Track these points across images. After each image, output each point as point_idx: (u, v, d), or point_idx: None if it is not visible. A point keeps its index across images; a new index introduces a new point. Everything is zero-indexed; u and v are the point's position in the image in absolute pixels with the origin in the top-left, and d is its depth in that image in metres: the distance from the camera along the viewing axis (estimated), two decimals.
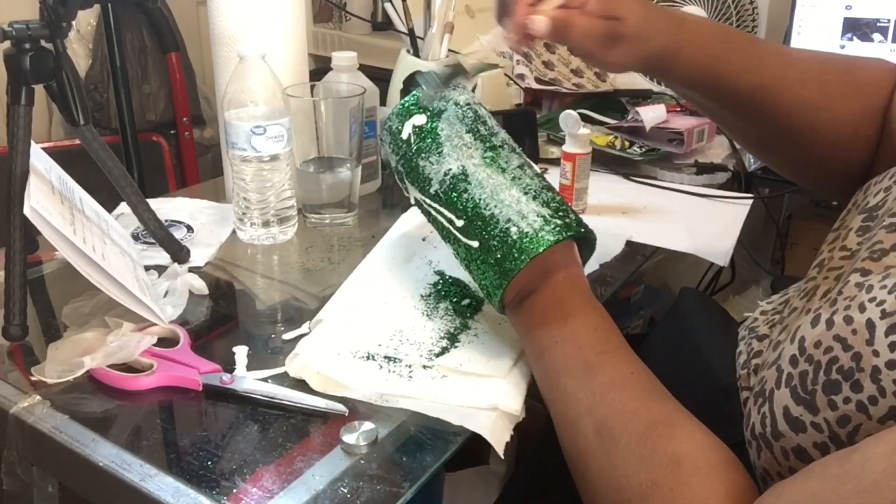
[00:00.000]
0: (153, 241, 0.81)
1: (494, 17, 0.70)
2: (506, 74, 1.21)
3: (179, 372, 0.63)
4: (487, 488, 0.97)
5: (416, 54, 1.09)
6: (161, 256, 0.82)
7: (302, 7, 0.94)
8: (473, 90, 1.07)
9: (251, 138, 0.83)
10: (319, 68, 1.17)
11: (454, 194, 0.64)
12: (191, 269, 0.80)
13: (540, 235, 0.59)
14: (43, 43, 0.68)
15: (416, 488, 0.53)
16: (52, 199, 0.67)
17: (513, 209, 0.61)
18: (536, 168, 0.66)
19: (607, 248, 0.88)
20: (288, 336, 0.70)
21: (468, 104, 0.68)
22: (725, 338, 0.67)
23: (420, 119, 0.68)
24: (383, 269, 0.79)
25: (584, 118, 1.04)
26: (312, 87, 0.93)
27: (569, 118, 0.95)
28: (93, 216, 0.74)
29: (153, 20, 1.75)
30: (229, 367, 0.64)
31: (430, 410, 0.59)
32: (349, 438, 0.56)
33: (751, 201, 1.04)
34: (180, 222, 0.91)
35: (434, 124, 0.67)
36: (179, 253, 0.81)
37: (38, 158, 0.70)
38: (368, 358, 0.65)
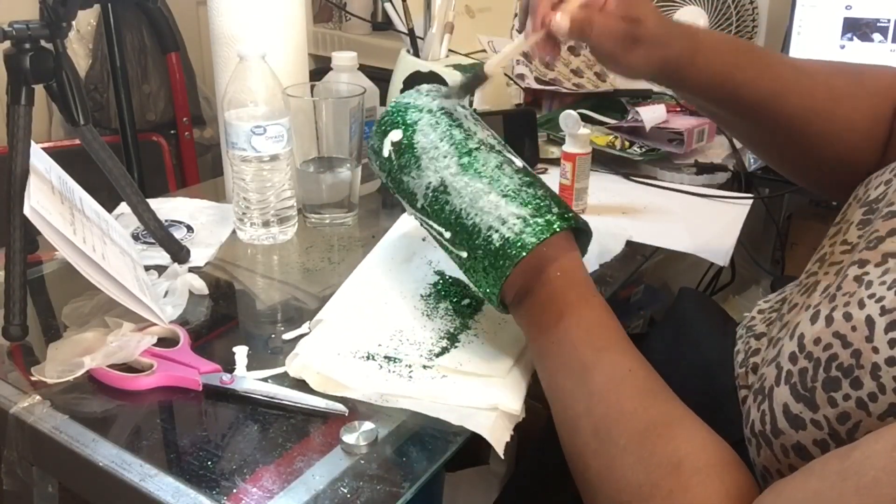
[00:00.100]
0: (153, 241, 0.81)
1: (517, 27, 0.70)
2: (506, 74, 1.21)
3: (179, 372, 0.63)
4: (487, 488, 0.97)
5: (416, 54, 1.09)
6: (161, 256, 0.82)
7: (302, 7, 0.94)
8: (473, 92, 1.06)
9: (251, 138, 0.83)
10: (319, 68, 1.17)
11: (437, 207, 0.63)
12: (191, 269, 0.80)
13: (522, 238, 0.58)
14: (43, 43, 0.68)
15: (416, 488, 0.53)
16: (52, 199, 0.67)
17: (492, 215, 0.60)
18: (518, 162, 0.65)
19: (607, 248, 0.88)
20: (288, 336, 0.70)
21: (441, 108, 0.67)
22: (724, 338, 0.67)
23: (396, 135, 0.67)
24: (383, 269, 0.79)
25: (584, 118, 1.04)
26: (312, 87, 0.93)
27: (569, 118, 0.95)
28: (93, 216, 0.74)
29: (153, 20, 1.75)
30: (229, 367, 0.64)
31: (430, 410, 0.59)
32: (349, 438, 0.56)
33: (751, 201, 1.04)
34: (180, 222, 0.91)
35: (410, 139, 0.66)
36: (179, 253, 0.81)
37: (38, 158, 0.70)
38: (368, 358, 0.65)
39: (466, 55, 1.18)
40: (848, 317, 0.46)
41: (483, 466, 0.97)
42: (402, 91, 1.03)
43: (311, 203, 0.93)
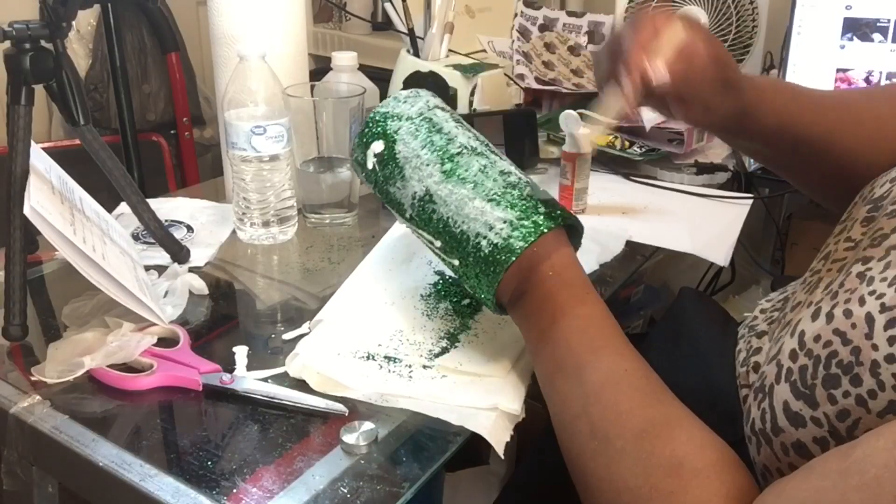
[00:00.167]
0: (153, 241, 0.81)
1: (596, 81, 0.66)
2: (506, 74, 1.21)
3: (179, 372, 0.63)
4: (487, 488, 0.97)
5: (416, 54, 1.09)
6: (161, 256, 0.82)
7: (302, 7, 0.94)
8: (473, 92, 1.07)
9: (251, 138, 0.83)
10: (319, 68, 1.18)
11: (425, 216, 0.63)
12: (191, 269, 0.80)
13: (510, 243, 0.57)
14: (43, 43, 0.68)
15: (416, 488, 0.53)
16: (52, 199, 0.67)
17: (479, 222, 0.59)
18: (500, 163, 0.63)
19: (607, 248, 0.88)
20: (288, 336, 0.70)
21: (420, 114, 0.66)
22: (724, 337, 0.67)
23: (378, 146, 0.66)
24: (383, 269, 0.79)
25: (585, 118, 1.04)
26: (312, 87, 0.93)
27: (569, 118, 0.95)
28: (93, 216, 0.74)
29: (153, 20, 1.75)
30: (229, 367, 0.64)
31: (430, 410, 0.59)
32: (349, 438, 0.56)
33: (751, 201, 1.04)
34: (180, 222, 0.91)
35: (391, 149, 0.65)
36: (179, 253, 0.81)
37: (38, 158, 0.70)
38: (368, 358, 0.65)
39: (466, 55, 1.18)
40: (848, 314, 0.46)
41: (483, 466, 0.97)
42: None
43: (311, 203, 0.93)
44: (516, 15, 1.36)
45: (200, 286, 0.77)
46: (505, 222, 0.58)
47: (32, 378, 0.63)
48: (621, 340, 0.55)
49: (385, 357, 0.65)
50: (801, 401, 0.46)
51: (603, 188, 1.06)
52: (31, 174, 0.66)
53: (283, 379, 0.63)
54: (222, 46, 0.92)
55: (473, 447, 0.58)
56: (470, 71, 1.06)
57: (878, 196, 0.56)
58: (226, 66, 0.92)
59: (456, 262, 0.62)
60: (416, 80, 1.06)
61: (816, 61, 1.21)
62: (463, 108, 1.06)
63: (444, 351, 0.66)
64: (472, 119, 1.01)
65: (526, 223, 0.58)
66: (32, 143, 0.68)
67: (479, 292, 0.61)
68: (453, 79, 1.06)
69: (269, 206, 0.87)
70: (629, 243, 0.91)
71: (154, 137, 1.77)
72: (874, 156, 0.68)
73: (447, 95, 1.05)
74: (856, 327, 0.45)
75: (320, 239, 0.91)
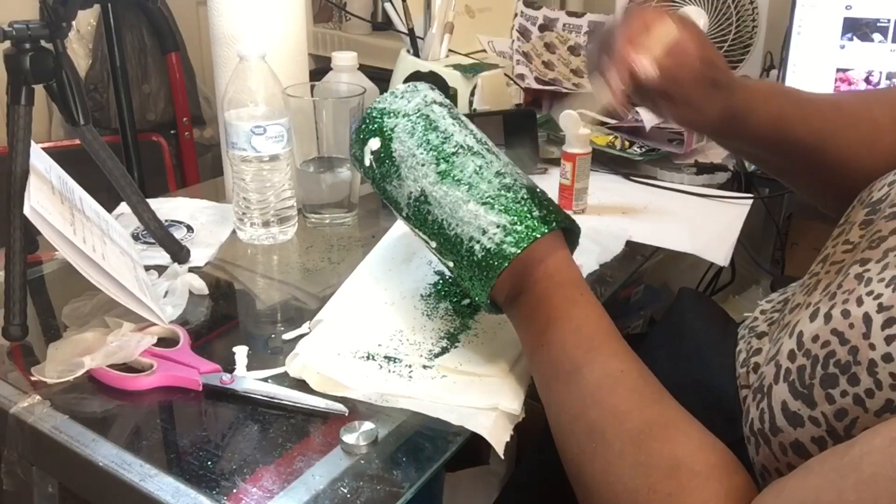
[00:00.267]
0: (153, 241, 0.81)
1: (587, 70, 0.66)
2: (506, 74, 1.21)
3: (179, 372, 0.63)
4: (487, 488, 0.97)
5: (416, 54, 1.09)
6: (161, 256, 0.82)
7: (302, 7, 0.94)
8: (473, 92, 1.07)
9: (251, 138, 0.83)
10: (319, 68, 1.18)
11: (420, 217, 0.63)
12: (191, 269, 0.80)
13: (503, 248, 0.57)
14: (43, 43, 0.68)
15: (416, 488, 0.53)
16: (52, 199, 0.67)
17: (472, 225, 0.59)
18: (496, 163, 0.62)
19: (607, 248, 0.88)
20: (288, 336, 0.70)
21: (418, 111, 0.65)
22: (724, 338, 0.67)
23: (375, 143, 0.66)
24: (383, 269, 0.79)
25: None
26: (312, 87, 0.93)
27: (569, 118, 0.95)
28: (93, 216, 0.74)
29: (153, 20, 1.75)
30: (229, 367, 0.64)
31: (430, 410, 0.59)
32: (349, 438, 0.56)
33: (751, 201, 1.04)
34: (180, 222, 0.91)
35: (388, 147, 0.65)
36: (179, 253, 0.81)
37: (38, 158, 0.70)
38: (368, 358, 0.65)
39: (466, 55, 1.18)
40: (846, 314, 0.46)
41: (483, 466, 0.97)
42: None
43: (311, 203, 0.93)
44: (516, 15, 1.36)
45: (200, 286, 0.77)
46: (498, 227, 0.58)
47: (32, 378, 0.63)
48: (617, 341, 0.54)
49: (385, 357, 0.65)
50: (800, 400, 0.46)
51: (603, 188, 1.06)
52: (31, 174, 0.66)
53: (283, 379, 0.63)
54: (222, 46, 0.92)
55: (473, 447, 0.58)
56: (470, 71, 1.06)
57: (877, 199, 0.57)
58: (226, 66, 0.92)
59: (451, 264, 0.62)
60: (416, 80, 1.06)
61: (816, 61, 1.21)
62: (463, 108, 1.06)
63: (444, 351, 0.66)
64: (472, 119, 1.01)
65: (519, 228, 0.58)
66: (32, 143, 0.68)
67: (473, 294, 0.61)
68: (453, 79, 1.06)
69: (269, 206, 0.87)
70: (629, 243, 0.91)
71: (154, 137, 1.77)
72: (869, 159, 0.68)
73: (447, 96, 1.05)
74: (853, 327, 0.45)
75: (320, 239, 0.91)
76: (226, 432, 0.58)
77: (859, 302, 0.45)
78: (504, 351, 0.66)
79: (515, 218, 0.58)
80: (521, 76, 1.28)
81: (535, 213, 0.58)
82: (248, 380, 0.62)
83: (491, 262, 0.58)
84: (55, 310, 0.74)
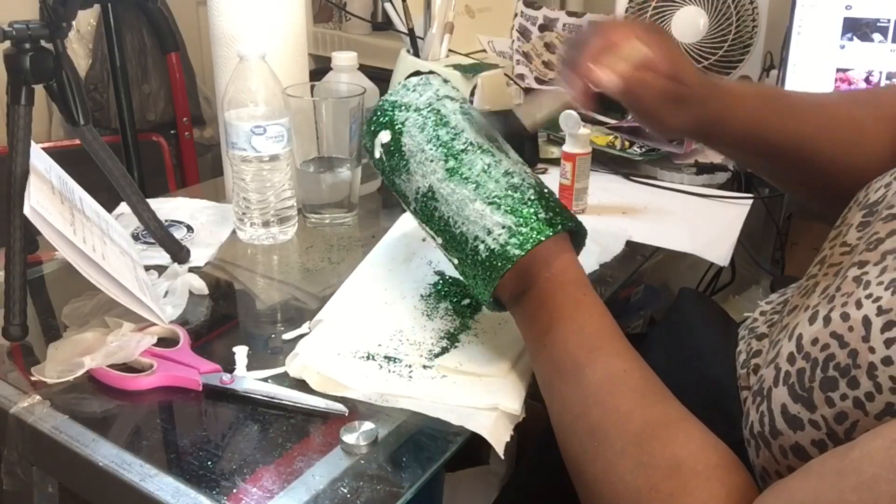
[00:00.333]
0: (153, 241, 0.81)
1: (558, 75, 0.68)
2: (506, 74, 1.20)
3: (179, 372, 0.63)
4: (487, 488, 0.97)
5: (416, 54, 1.09)
6: (161, 256, 0.82)
7: (302, 7, 0.94)
8: (473, 92, 1.07)
9: (251, 138, 0.83)
10: (319, 68, 1.17)
11: (427, 212, 0.63)
12: (191, 269, 0.80)
13: (507, 250, 0.57)
14: (43, 43, 0.68)
15: (416, 488, 0.53)
16: (52, 199, 0.67)
17: (478, 225, 0.59)
18: (505, 162, 0.62)
19: (607, 248, 0.88)
20: (288, 336, 0.70)
21: (429, 105, 0.65)
22: (724, 338, 0.67)
23: (385, 136, 0.66)
24: (383, 269, 0.79)
25: (584, 118, 1.04)
26: (312, 87, 0.93)
27: (569, 118, 0.95)
28: (93, 216, 0.74)
29: (153, 20, 1.74)
30: (229, 367, 0.64)
31: (430, 410, 0.59)
32: (349, 438, 0.56)
33: (751, 201, 1.04)
34: (180, 222, 0.91)
35: (398, 141, 0.65)
36: (179, 253, 0.81)
37: (38, 158, 0.70)
38: (368, 358, 0.65)
39: (466, 55, 1.18)
40: (845, 317, 0.46)
41: (483, 466, 0.97)
42: None
43: (311, 203, 0.93)
44: (516, 15, 1.36)
45: (200, 286, 0.77)
46: (503, 228, 0.58)
47: (32, 378, 0.63)
48: (620, 341, 0.55)
49: (385, 357, 0.65)
50: (799, 404, 0.46)
51: (603, 188, 1.06)
52: (31, 174, 0.66)
53: (283, 379, 0.63)
54: (222, 46, 0.92)
55: (473, 447, 0.58)
56: (470, 71, 1.06)
57: (873, 201, 0.56)
58: (226, 66, 0.92)
59: (455, 261, 0.62)
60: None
61: (816, 61, 1.21)
62: None
63: (444, 351, 0.66)
64: None
65: (524, 230, 0.58)
66: (32, 143, 0.68)
67: (476, 292, 0.62)
68: (453, 79, 1.05)
69: (269, 206, 0.87)
70: (629, 243, 0.91)
71: (154, 137, 1.77)
72: (853, 159, 0.69)
73: None
74: (853, 330, 0.45)
75: (320, 239, 0.91)
76: (226, 432, 0.58)
77: (858, 305, 0.45)
78: (504, 351, 0.66)
79: (521, 219, 0.58)
80: (521, 76, 1.28)
81: (541, 215, 0.58)
82: (248, 380, 0.62)
83: (495, 262, 0.58)
84: (55, 310, 0.74)
